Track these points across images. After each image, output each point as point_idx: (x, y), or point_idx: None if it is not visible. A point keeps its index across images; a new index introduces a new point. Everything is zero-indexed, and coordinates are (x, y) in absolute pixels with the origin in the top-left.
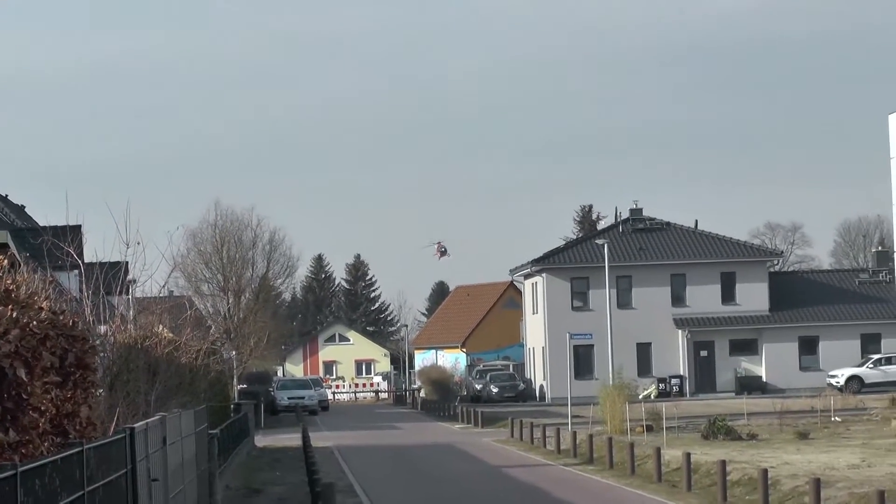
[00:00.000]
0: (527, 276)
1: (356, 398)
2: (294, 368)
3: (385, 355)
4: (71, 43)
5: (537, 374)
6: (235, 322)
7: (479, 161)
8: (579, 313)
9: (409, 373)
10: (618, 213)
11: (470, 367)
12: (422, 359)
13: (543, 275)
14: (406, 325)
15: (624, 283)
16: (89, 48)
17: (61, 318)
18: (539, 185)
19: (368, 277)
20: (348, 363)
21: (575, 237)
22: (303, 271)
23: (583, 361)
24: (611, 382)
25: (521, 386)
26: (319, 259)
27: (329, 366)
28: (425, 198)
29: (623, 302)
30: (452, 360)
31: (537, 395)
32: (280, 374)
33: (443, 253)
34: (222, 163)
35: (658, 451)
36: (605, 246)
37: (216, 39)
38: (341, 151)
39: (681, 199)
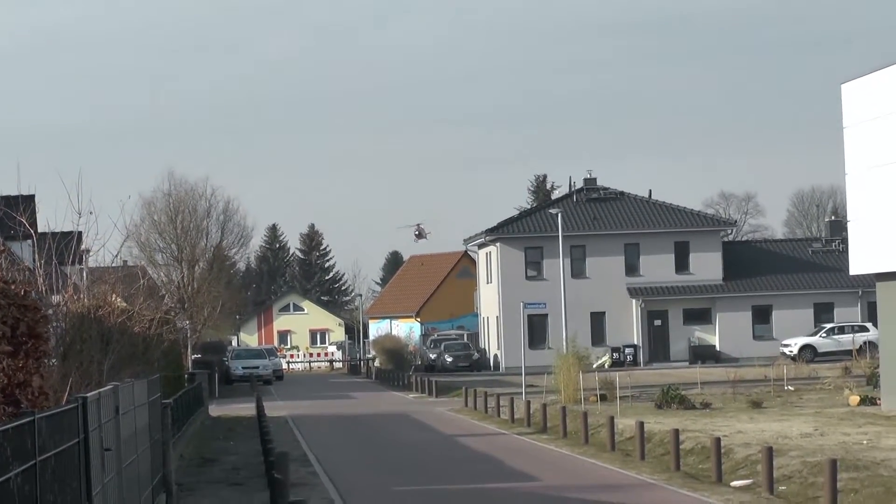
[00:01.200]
0: (481, 246)
1: (311, 368)
2: (248, 338)
3: (339, 325)
4: (21, 9)
5: (491, 343)
6: (189, 292)
7: (434, 130)
8: (533, 283)
9: (364, 342)
10: (572, 183)
11: (424, 336)
12: (376, 328)
13: (497, 244)
14: (360, 295)
15: (578, 253)
16: (41, 14)
17: (13, 287)
18: (493, 154)
19: (323, 247)
20: (303, 333)
21: (529, 207)
22: (257, 241)
23: (537, 331)
24: (565, 352)
25: (476, 356)
26: (273, 229)
27: (283, 335)
28: (378, 167)
29: (577, 271)
30: (407, 329)
31: (491, 364)
32: (234, 343)
33: (419, 235)
34: (176, 132)
35: (612, 420)
36: (559, 215)
37: (168, 5)
38: (293, 119)
39: (634, 169)
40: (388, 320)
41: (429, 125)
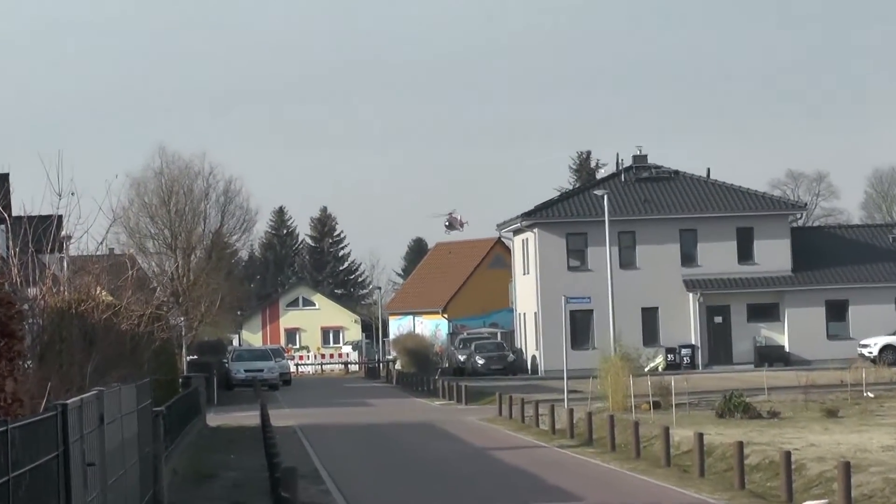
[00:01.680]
0: (516, 232)
1: (322, 370)
2: (252, 337)
3: (355, 322)
4: None
5: (529, 343)
6: (184, 284)
7: (463, 104)
8: (576, 274)
9: (383, 342)
10: (619, 161)
11: (452, 335)
12: (397, 326)
13: (535, 230)
14: (379, 288)
15: (627, 240)
16: None
17: None
18: (530, 130)
19: (336, 234)
20: (313, 331)
21: (571, 188)
22: (262, 226)
23: (580, 329)
24: (612, 353)
25: (511, 357)
26: (280, 212)
27: (291, 334)
28: (400, 144)
29: (626, 261)
30: (432, 327)
31: (529, 367)
32: (235, 343)
33: (451, 226)
34: (168, 104)
35: (666, 430)
36: (605, 197)
37: None
38: (303, 90)
39: (691, 146)
40: (411, 317)
41: (459, 97)
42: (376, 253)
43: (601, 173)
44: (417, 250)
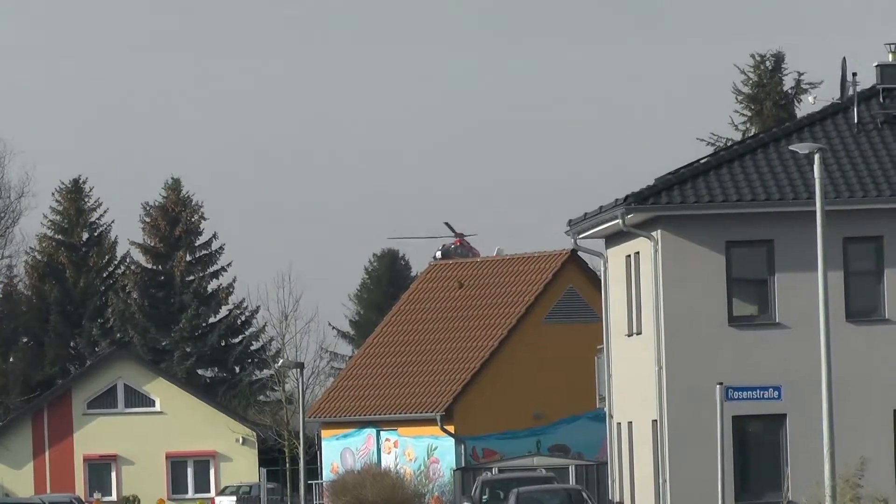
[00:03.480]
0: (613, 239)
1: None
2: (12, 475)
3: (243, 442)
4: None
5: (640, 489)
6: None
7: None
8: (748, 333)
9: (312, 487)
10: (848, 79)
11: (466, 472)
12: (339, 452)
13: (657, 232)
14: (300, 367)
15: (864, 255)
16: None
17: None
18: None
19: (202, 240)
20: (150, 462)
21: (740, 139)
22: (34, 225)
23: (759, 457)
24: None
25: None
26: (76, 192)
27: (100, 470)
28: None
29: (862, 305)
30: (420, 454)
31: None
32: None
33: (447, 253)
34: None
35: None
36: (819, 159)
37: None
38: None
39: None
40: (370, 431)
41: None
42: (292, 286)
43: (807, 104)
44: (385, 278)
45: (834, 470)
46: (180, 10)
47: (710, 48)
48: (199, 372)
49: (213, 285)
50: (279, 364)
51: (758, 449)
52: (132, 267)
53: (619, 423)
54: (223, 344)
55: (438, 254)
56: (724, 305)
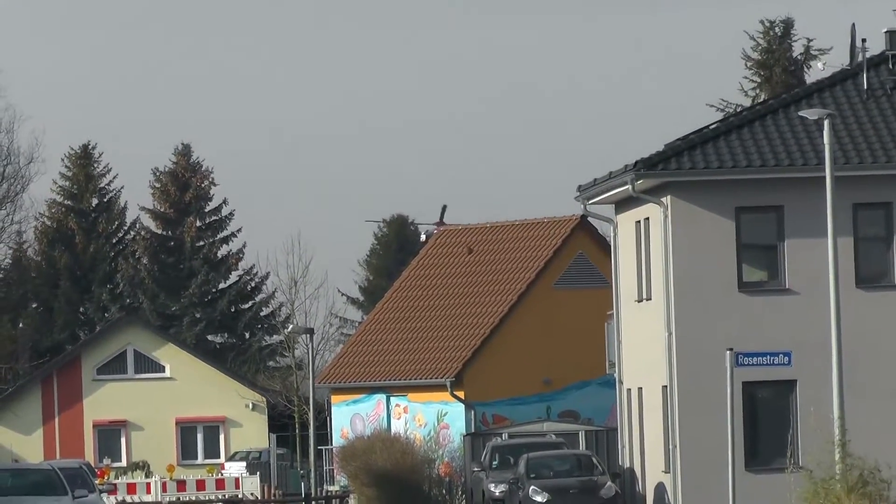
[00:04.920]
0: (623, 205)
1: None
2: (21, 441)
3: (254, 409)
4: None
5: (650, 455)
6: None
7: None
8: (757, 299)
9: (323, 453)
10: (857, 45)
11: (475, 438)
12: (349, 417)
13: (666, 197)
14: (309, 332)
15: (874, 221)
16: None
17: None
18: None
19: (211, 207)
20: (159, 428)
21: (750, 104)
22: (43, 190)
23: (768, 423)
24: (836, 475)
25: (608, 487)
26: (85, 158)
27: (110, 436)
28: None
29: (872, 271)
30: (430, 419)
31: None
32: None
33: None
34: None
35: None
36: (828, 125)
37: None
38: None
39: None
40: (380, 397)
41: None
42: (301, 250)
43: (816, 70)
44: (394, 245)
45: (844, 436)
46: None
47: (720, 14)
48: (209, 338)
49: (223, 251)
50: (289, 330)
51: (767, 415)
52: (142, 233)
53: (628, 389)
54: (233, 310)
55: (423, 237)
56: (733, 271)
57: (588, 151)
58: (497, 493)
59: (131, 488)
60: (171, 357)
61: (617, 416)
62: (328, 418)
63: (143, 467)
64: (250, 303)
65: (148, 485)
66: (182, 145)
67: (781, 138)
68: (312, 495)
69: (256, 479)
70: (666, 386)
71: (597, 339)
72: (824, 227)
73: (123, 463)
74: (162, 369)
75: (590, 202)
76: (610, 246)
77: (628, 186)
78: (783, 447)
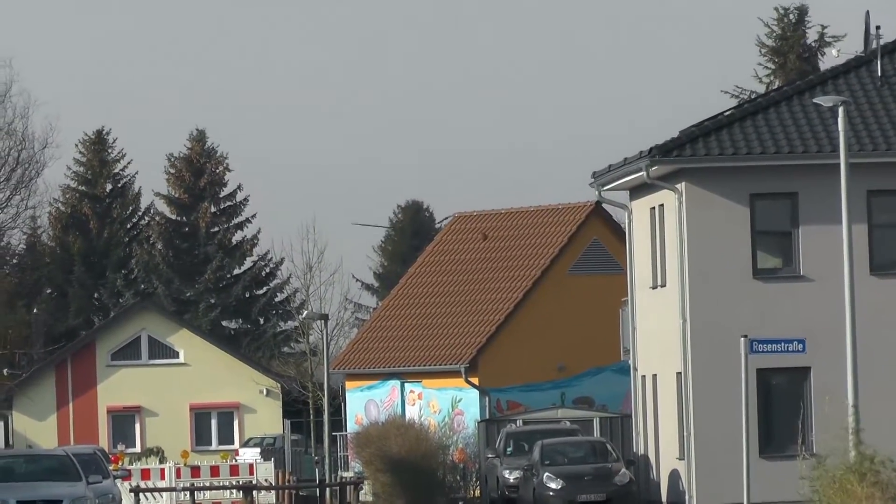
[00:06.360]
0: (638, 191)
1: (194, 500)
2: (35, 427)
3: (267, 394)
4: None
5: (664, 443)
6: None
7: None
8: (772, 286)
9: (337, 440)
10: (872, 32)
11: (489, 424)
12: (363, 403)
13: (681, 184)
14: (324, 318)
15: (887, 207)
16: None
17: None
18: None
19: (225, 192)
20: (172, 413)
21: (764, 91)
22: (57, 176)
23: (782, 410)
24: (850, 460)
25: (622, 474)
26: (99, 143)
27: (124, 421)
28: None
29: (887, 257)
30: (445, 405)
31: (664, 493)
32: None
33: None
34: None
35: None
36: (842, 112)
37: None
38: None
39: None
40: (394, 383)
41: None
42: (317, 236)
43: (830, 57)
44: (408, 231)
45: (858, 423)
46: None
47: (734, 1)
48: (224, 323)
49: (237, 237)
50: (303, 316)
51: (781, 401)
52: (156, 218)
53: (643, 376)
54: (247, 295)
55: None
56: (748, 258)
57: (603, 138)
58: (511, 480)
59: (145, 474)
60: (186, 343)
61: (631, 403)
62: (342, 404)
63: (157, 453)
64: (265, 288)
65: (162, 470)
66: (197, 131)
67: (796, 125)
68: (327, 481)
69: (271, 465)
70: (680, 372)
71: (611, 325)
72: (839, 213)
73: (137, 449)
74: (176, 355)
75: (604, 188)
76: (624, 232)
77: (643, 173)
78: (797, 434)
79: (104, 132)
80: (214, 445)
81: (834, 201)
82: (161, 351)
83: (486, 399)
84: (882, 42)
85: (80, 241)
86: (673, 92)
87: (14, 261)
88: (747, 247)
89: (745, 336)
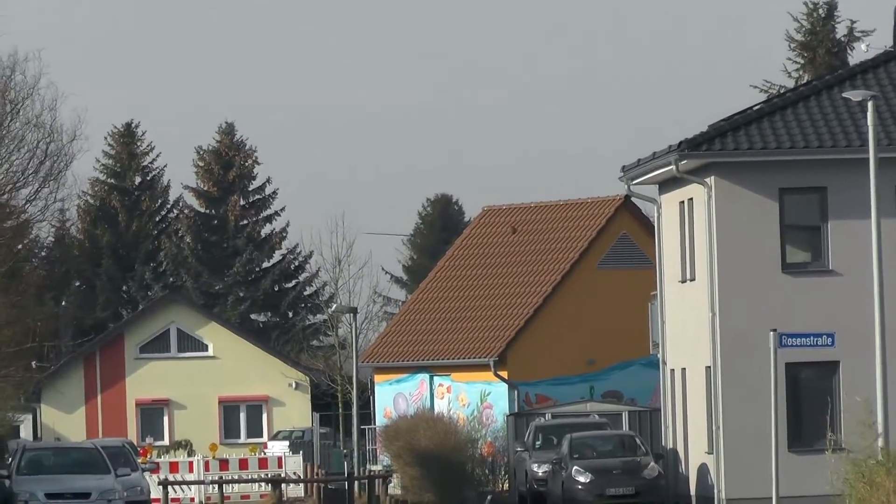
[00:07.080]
0: (667, 185)
1: (223, 495)
2: (64, 420)
3: (297, 388)
4: None
5: (693, 437)
6: None
7: None
8: (802, 280)
9: (366, 432)
10: None
11: (518, 418)
12: (392, 397)
13: (710, 178)
14: (353, 311)
15: None
16: None
17: None
18: None
19: (255, 185)
20: (202, 408)
21: (793, 86)
22: (87, 169)
23: (811, 405)
24: (878, 457)
25: (651, 467)
26: (128, 136)
27: (152, 414)
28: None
29: None
30: (474, 398)
31: (693, 489)
32: (25, 435)
33: None
34: None
35: None
36: (872, 106)
37: None
38: None
39: None
40: (423, 377)
41: None
42: (346, 231)
43: (859, 52)
44: (438, 224)
45: (887, 417)
46: None
47: None
48: (253, 317)
49: (266, 230)
50: (332, 309)
51: (810, 396)
52: (185, 211)
53: (672, 370)
54: (276, 289)
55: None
56: (777, 252)
57: (632, 131)
58: (540, 474)
59: (174, 467)
60: (215, 336)
61: (660, 397)
62: (371, 398)
63: (186, 446)
64: (294, 282)
65: (191, 463)
66: (226, 124)
67: (825, 119)
68: (355, 475)
69: (299, 458)
70: (709, 366)
71: (640, 319)
72: (867, 208)
73: (166, 442)
74: (205, 348)
75: (633, 182)
76: (653, 226)
77: (672, 167)
78: (826, 428)
79: (133, 125)
80: (243, 438)
81: (863, 195)
82: (190, 344)
83: (515, 393)
84: None
85: (109, 233)
86: (702, 86)
87: (43, 253)
88: (776, 241)
89: (775, 330)
